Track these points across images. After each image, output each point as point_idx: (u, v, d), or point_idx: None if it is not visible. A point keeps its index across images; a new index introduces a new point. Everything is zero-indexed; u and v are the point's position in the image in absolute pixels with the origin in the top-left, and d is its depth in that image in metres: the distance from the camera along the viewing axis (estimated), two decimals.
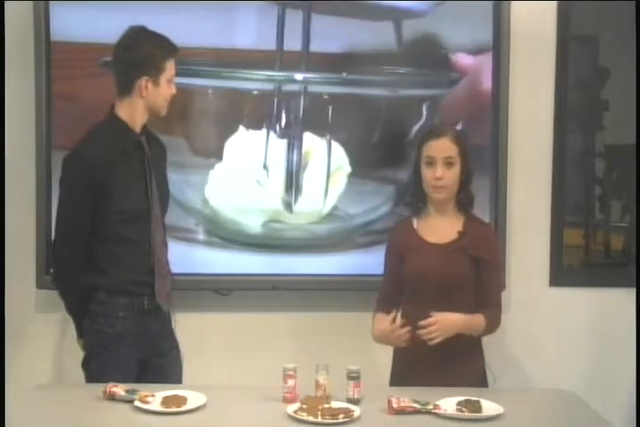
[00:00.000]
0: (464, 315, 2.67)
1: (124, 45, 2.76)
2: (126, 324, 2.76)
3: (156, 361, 2.82)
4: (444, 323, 2.62)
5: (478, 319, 2.70)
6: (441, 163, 2.71)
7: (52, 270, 2.91)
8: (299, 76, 3.43)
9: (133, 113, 2.77)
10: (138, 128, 2.80)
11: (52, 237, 2.87)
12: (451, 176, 2.72)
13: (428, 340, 2.62)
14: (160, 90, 2.76)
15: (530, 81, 3.54)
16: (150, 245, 2.78)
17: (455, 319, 2.65)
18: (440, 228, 2.79)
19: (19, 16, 3.38)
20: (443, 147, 2.72)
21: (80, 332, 2.84)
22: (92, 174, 2.69)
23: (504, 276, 3.45)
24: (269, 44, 3.40)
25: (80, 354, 2.83)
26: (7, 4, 3.25)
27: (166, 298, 2.83)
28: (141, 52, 2.72)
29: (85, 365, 2.81)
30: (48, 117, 3.39)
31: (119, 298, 2.75)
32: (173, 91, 2.81)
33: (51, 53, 3.37)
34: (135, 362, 2.78)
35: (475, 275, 2.74)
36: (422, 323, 2.61)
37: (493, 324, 2.75)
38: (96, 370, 2.76)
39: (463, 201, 2.80)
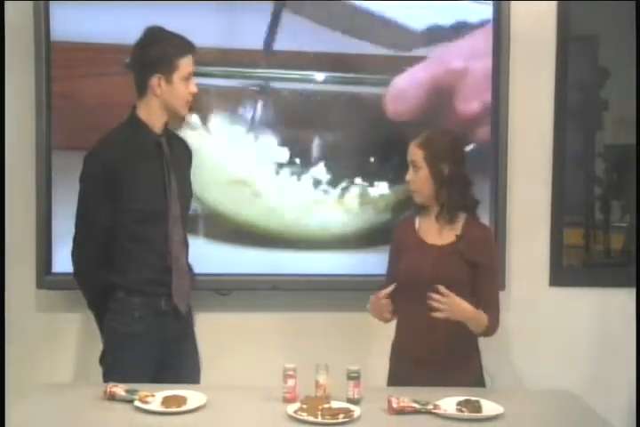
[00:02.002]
0: (473, 308, 2.67)
1: (139, 46, 2.77)
2: (142, 324, 2.76)
3: (172, 362, 2.82)
4: (454, 301, 2.62)
5: (483, 316, 2.71)
6: (410, 166, 2.80)
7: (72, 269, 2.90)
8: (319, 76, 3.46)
9: (151, 113, 2.78)
10: (157, 128, 2.79)
11: (71, 236, 2.85)
12: (416, 180, 2.79)
13: (433, 311, 2.61)
14: (174, 88, 2.75)
15: (530, 81, 3.54)
16: (168, 244, 2.79)
17: (465, 306, 2.65)
18: (440, 229, 2.80)
19: (19, 16, 3.38)
20: (410, 152, 2.81)
21: (101, 328, 2.85)
22: (110, 174, 2.70)
23: (504, 276, 3.46)
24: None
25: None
26: (7, 4, 3.25)
27: (184, 298, 2.83)
28: (154, 51, 2.72)
29: (102, 361, 2.82)
30: (48, 117, 3.39)
31: (135, 298, 2.76)
32: (193, 89, 2.79)
33: (51, 53, 3.37)
34: (151, 362, 2.78)
35: (470, 278, 2.74)
36: (438, 289, 2.61)
37: (493, 325, 2.76)
38: (111, 367, 2.77)
39: (446, 207, 2.78)
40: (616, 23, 3.54)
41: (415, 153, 2.78)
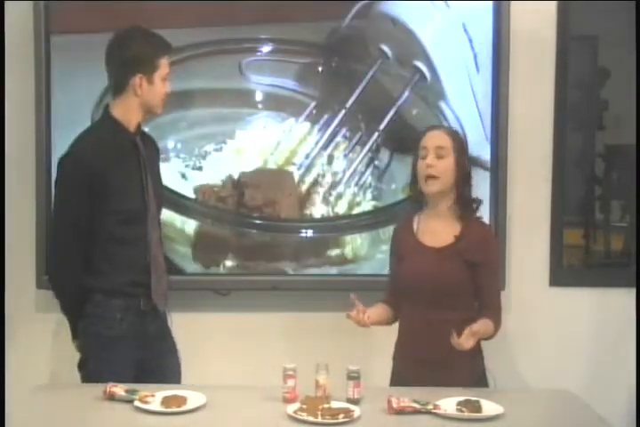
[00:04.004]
0: (479, 324, 2.59)
1: (117, 44, 2.75)
2: (123, 325, 2.75)
3: (153, 362, 2.81)
4: (477, 335, 2.57)
5: (489, 325, 2.66)
6: (432, 152, 2.70)
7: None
8: None
9: (128, 112, 2.76)
10: (132, 128, 2.78)
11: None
12: (442, 166, 2.69)
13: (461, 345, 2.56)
14: (154, 88, 2.74)
15: (530, 81, 3.54)
16: (147, 244, 2.78)
17: (480, 330, 2.58)
18: (438, 230, 2.78)
19: (19, 16, 3.38)
20: (436, 137, 2.73)
21: (75, 332, 2.83)
22: (88, 175, 2.68)
23: (504, 276, 3.45)
24: None
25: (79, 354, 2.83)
26: (7, 4, 3.25)
27: (162, 297, 2.83)
28: (135, 50, 2.71)
29: (82, 366, 2.79)
30: (48, 117, 3.39)
31: (115, 300, 2.74)
32: (167, 89, 2.79)
33: (51, 53, 3.37)
34: (133, 363, 2.77)
35: (470, 279, 2.72)
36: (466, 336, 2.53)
37: (496, 327, 2.74)
38: (93, 372, 2.74)
39: (459, 202, 2.76)
40: (616, 23, 3.53)
41: (443, 139, 2.71)
